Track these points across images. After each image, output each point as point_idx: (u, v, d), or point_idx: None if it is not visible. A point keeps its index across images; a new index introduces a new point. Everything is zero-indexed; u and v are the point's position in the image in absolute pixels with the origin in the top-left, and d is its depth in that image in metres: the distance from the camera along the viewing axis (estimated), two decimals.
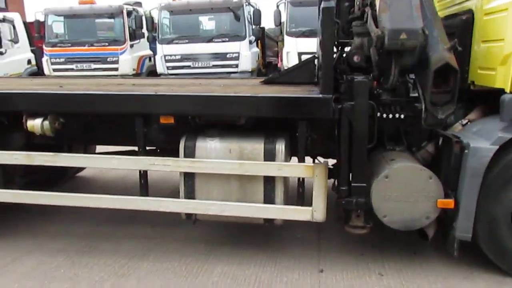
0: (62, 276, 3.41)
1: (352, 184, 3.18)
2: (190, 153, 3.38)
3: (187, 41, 10.91)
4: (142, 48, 12.40)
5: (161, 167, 3.37)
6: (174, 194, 3.80)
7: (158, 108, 3.24)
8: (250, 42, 10.83)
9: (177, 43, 10.97)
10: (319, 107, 3.06)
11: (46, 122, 3.44)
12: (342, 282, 3.27)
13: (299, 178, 3.33)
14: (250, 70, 10.75)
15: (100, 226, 4.36)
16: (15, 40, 11.93)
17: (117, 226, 4.34)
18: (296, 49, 10.07)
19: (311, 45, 10.07)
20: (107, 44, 11.38)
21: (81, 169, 5.82)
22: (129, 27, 11.52)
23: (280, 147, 3.30)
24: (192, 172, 3.37)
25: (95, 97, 3.29)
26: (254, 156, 3.32)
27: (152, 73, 12.15)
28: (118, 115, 3.48)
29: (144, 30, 12.02)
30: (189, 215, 3.53)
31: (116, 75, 10.49)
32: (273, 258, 3.66)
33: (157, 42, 11.27)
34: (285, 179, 3.39)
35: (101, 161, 3.44)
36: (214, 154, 3.37)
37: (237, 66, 10.68)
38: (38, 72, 12.88)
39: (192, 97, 3.30)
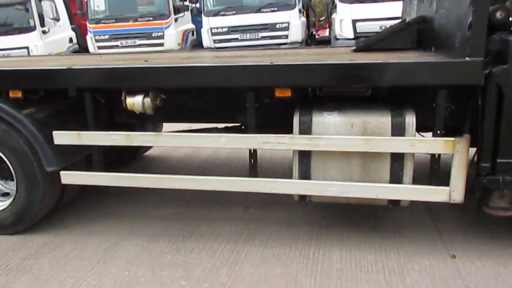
0: (171, 263, 3.21)
1: (498, 161, 2.81)
2: (306, 129, 3.06)
3: (233, 12, 10.48)
4: (186, 21, 12.04)
5: (274, 145, 3.07)
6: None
7: (275, 80, 2.91)
8: (300, 11, 10.33)
9: (223, 15, 10.55)
10: (467, 72, 2.67)
11: (148, 99, 3.17)
12: (484, 270, 2.96)
13: (433, 155, 2.98)
14: (300, 41, 10.29)
15: (190, 208, 4.14)
16: (57, 18, 11.77)
17: (206, 208, 4.12)
18: (350, 17, 9.52)
19: (367, 11, 9.58)
20: (151, 18, 11.07)
21: (149, 148, 5.62)
22: (172, 0, 11.15)
23: (411, 120, 2.94)
24: (308, 150, 3.06)
25: (205, 69, 2.98)
26: (380, 131, 2.97)
27: (195, 47, 11.83)
28: (225, 89, 3.18)
29: (188, 2, 11.64)
30: (302, 197, 3.25)
31: (172, 50, 10.15)
32: (391, 242, 3.36)
33: (202, 15, 10.89)
34: (413, 156, 3.05)
35: (207, 140, 3.16)
36: (333, 130, 3.04)
37: (286, 37, 10.23)
38: (79, 50, 12.75)
39: (320, 67, 2.93)
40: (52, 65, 3.37)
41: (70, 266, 3.23)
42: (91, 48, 11.63)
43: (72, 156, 3.70)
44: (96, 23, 11.49)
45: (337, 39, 9.79)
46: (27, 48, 11.22)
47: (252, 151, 3.23)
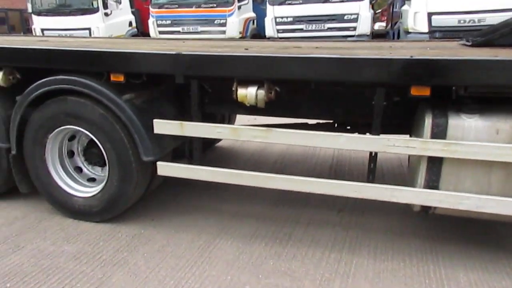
0: (275, 270, 2.95)
1: None
2: (439, 133, 2.71)
3: (300, 1, 10.10)
4: (248, 10, 11.77)
5: (402, 149, 2.74)
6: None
7: (415, 77, 2.56)
8: (370, 2, 9.83)
9: (289, 3, 10.18)
10: None
11: (261, 91, 2.90)
12: None
13: None
14: (368, 34, 9.79)
15: (279, 208, 3.88)
16: (119, 1, 11.77)
17: (296, 209, 3.84)
18: (426, 9, 8.93)
19: (445, 4, 8.96)
20: (215, 5, 10.85)
21: (218, 140, 5.39)
22: None
23: None
24: (441, 156, 2.71)
25: (333, 61, 2.66)
26: None
27: (255, 37, 11.54)
28: (350, 84, 2.87)
29: None
30: (425, 208, 2.91)
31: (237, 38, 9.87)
32: None
33: (267, 3, 10.57)
34: None
35: (324, 139, 2.86)
36: (473, 135, 2.66)
37: (355, 29, 9.75)
38: (137, 34, 12.75)
39: (493, 64, 2.53)
40: (159, 49, 3.15)
41: (166, 264, 3.04)
42: (152, 33, 11.57)
43: (166, 147, 3.51)
44: (159, 8, 11.38)
45: (409, 32, 9.22)
46: (89, 29, 11.30)
47: (373, 154, 2.91)
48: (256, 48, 3.55)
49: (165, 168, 3.30)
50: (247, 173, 3.11)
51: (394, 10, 13.30)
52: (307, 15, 10.00)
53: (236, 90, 2.93)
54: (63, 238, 3.40)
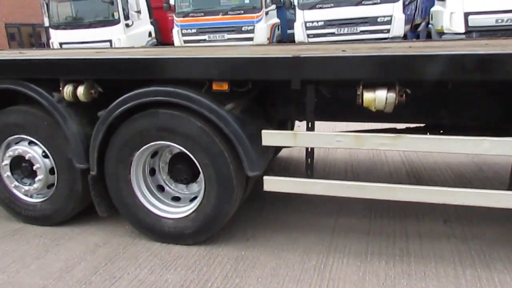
0: None
1: None
2: None
3: (332, 5, 9.87)
4: (273, 15, 11.57)
5: None
6: None
7: None
8: (403, 3, 9.62)
9: (320, 7, 9.95)
10: None
11: (392, 94, 2.63)
12: None
13: None
14: (401, 36, 9.58)
15: (375, 220, 3.60)
16: (139, 11, 11.54)
17: (396, 221, 3.57)
18: (462, 9, 8.72)
19: (482, 3, 8.76)
20: (242, 12, 10.63)
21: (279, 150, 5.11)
22: None
23: None
24: None
25: (477, 58, 2.39)
26: None
27: (280, 42, 11.32)
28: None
29: None
30: None
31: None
32: None
33: (296, 8, 10.35)
34: None
35: (463, 145, 2.59)
36: None
37: (388, 31, 9.53)
38: (157, 45, 12.50)
39: None
40: (275, 53, 2.87)
41: None
42: (176, 42, 11.31)
43: (268, 159, 3.24)
44: (183, 17, 11.14)
45: (443, 33, 9.01)
46: (110, 41, 11.06)
47: None
48: (352, 50, 3.29)
49: (273, 183, 3.01)
50: (373, 185, 2.82)
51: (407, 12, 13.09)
52: (338, 18, 9.79)
53: (362, 94, 2.66)
54: (159, 265, 3.09)
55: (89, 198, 3.65)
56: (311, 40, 9.98)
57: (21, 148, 3.62)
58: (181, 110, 3.04)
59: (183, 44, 10.93)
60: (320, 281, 2.80)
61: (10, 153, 3.66)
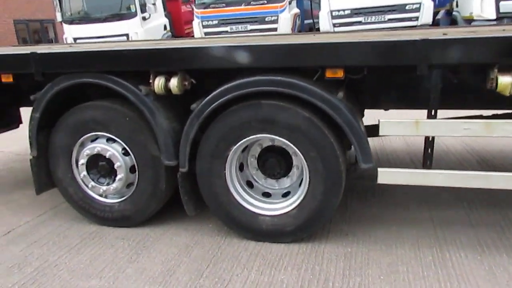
0: None
1: None
2: None
3: None
4: (294, 5, 11.33)
5: None
6: None
7: None
8: None
9: None
10: None
11: None
12: None
13: None
14: (430, 23, 9.43)
15: (477, 212, 3.47)
16: (154, 4, 11.24)
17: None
18: None
19: None
20: (265, 1, 10.38)
21: None
22: None
23: None
24: None
25: None
26: None
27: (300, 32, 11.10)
28: None
29: None
30: None
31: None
32: None
33: None
34: None
35: None
36: None
37: (417, 19, 9.38)
38: (172, 38, 12.21)
39: None
40: (395, 37, 2.69)
41: None
42: (197, 35, 11.02)
43: None
44: (204, 8, 10.86)
45: (472, 20, 8.89)
46: (126, 35, 10.76)
47: None
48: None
49: (389, 175, 2.85)
50: (499, 174, 2.68)
51: None
52: (366, 6, 9.60)
53: (496, 78, 2.50)
54: (265, 265, 2.92)
55: (169, 197, 3.51)
56: (337, 29, 9.79)
57: (100, 146, 3.42)
58: (286, 100, 2.87)
59: (204, 37, 10.67)
60: (447, 277, 2.66)
61: (87, 151, 3.46)
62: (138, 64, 3.07)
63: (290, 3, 10.57)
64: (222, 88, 2.93)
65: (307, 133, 2.86)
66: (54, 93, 3.32)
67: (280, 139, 2.97)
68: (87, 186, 3.58)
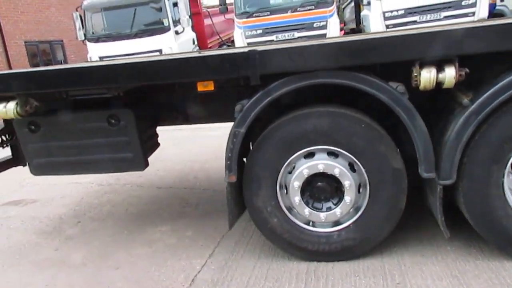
0: None
1: None
2: None
3: None
4: None
5: None
6: None
7: None
8: None
9: None
10: None
11: None
12: None
13: None
14: (486, 17, 9.18)
15: None
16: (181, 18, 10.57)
17: None
18: None
19: None
20: (313, 7, 9.89)
21: None
22: None
23: None
24: None
25: None
26: None
27: None
28: None
29: None
30: None
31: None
32: None
33: None
34: None
35: None
36: None
37: (473, 14, 9.12)
38: None
39: None
40: None
41: None
42: (239, 45, 10.41)
43: None
44: (247, 17, 10.26)
45: None
46: (159, 51, 10.00)
47: None
48: None
49: None
50: None
51: None
52: (421, 5, 9.29)
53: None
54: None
55: None
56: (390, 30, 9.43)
57: (324, 162, 2.76)
58: None
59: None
60: None
61: (305, 170, 2.79)
62: (402, 52, 2.46)
63: (338, 7, 10.20)
64: None
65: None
66: (270, 100, 2.66)
67: None
68: (295, 215, 2.91)
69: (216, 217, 3.91)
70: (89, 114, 3.21)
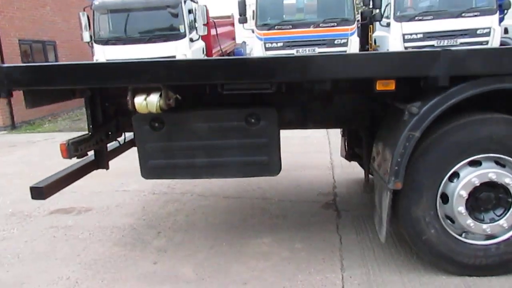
0: None
1: None
2: None
3: (432, 17, 9.63)
4: None
5: None
6: None
7: None
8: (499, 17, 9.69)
9: (420, 19, 9.67)
10: None
11: None
12: None
13: None
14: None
15: None
16: (198, 25, 10.28)
17: None
18: None
19: None
20: (335, 24, 9.91)
21: None
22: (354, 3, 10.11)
23: None
24: None
25: None
26: None
27: None
28: None
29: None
30: None
31: None
32: None
33: (391, 20, 9.94)
34: None
35: None
36: None
37: (487, 43, 9.50)
38: None
39: None
40: None
41: None
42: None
43: None
44: (268, 29, 10.10)
45: None
46: (173, 58, 9.60)
47: None
48: None
49: None
50: None
51: None
52: (439, 30, 9.58)
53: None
54: None
55: None
56: None
57: (494, 171, 2.64)
58: None
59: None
60: None
61: (474, 179, 2.65)
62: None
63: (359, 26, 10.32)
64: None
65: None
66: (452, 103, 2.52)
67: None
68: (449, 226, 2.76)
69: (316, 229, 3.69)
70: (226, 112, 2.92)
